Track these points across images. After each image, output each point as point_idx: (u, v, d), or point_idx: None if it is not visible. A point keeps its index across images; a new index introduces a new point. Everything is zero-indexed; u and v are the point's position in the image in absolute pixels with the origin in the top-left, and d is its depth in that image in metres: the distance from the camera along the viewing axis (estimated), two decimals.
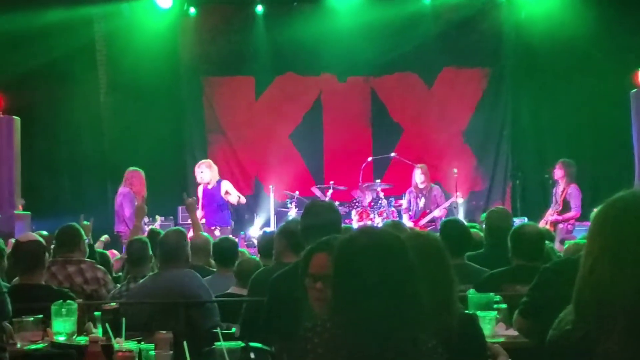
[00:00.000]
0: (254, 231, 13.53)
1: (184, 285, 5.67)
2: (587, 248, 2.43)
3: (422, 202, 12.76)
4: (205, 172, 11.54)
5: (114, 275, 7.30)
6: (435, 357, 2.85)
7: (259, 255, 6.94)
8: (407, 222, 12.53)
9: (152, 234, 7.62)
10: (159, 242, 5.96)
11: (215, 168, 11.66)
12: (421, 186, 12.76)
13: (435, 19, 14.49)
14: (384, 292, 2.79)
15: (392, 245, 2.93)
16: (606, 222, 2.38)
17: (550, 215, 11.83)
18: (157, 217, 11.72)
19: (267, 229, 12.10)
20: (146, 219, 11.43)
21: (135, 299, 5.71)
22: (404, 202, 13.05)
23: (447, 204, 12.60)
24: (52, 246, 6.61)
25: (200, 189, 11.69)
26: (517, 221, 11.36)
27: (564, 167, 11.89)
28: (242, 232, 13.81)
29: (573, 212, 11.61)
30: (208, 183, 11.54)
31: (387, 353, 2.75)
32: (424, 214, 12.63)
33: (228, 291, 6.30)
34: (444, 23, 14.48)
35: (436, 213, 12.47)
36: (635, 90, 10.72)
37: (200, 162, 11.80)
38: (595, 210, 2.50)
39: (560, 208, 11.75)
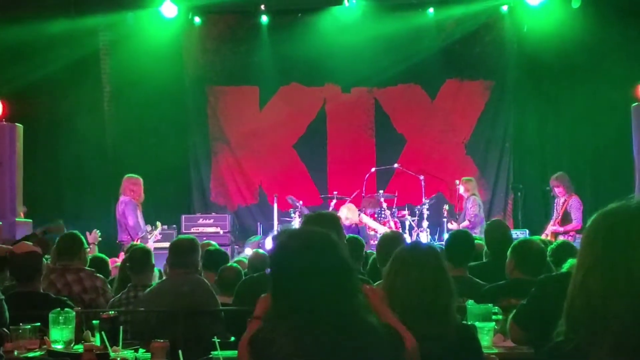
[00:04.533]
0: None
1: (192, 292, 5.69)
2: (579, 260, 2.42)
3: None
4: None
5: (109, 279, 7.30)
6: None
7: None
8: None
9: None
10: (169, 248, 6.01)
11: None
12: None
13: (438, 32, 14.51)
14: (321, 290, 2.87)
15: (322, 245, 2.99)
16: (598, 234, 2.37)
17: (552, 225, 11.84)
18: (158, 223, 11.68)
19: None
20: (148, 228, 11.45)
21: (145, 305, 5.74)
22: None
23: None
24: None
25: None
26: (519, 233, 11.44)
27: (559, 181, 11.97)
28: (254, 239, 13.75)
29: (574, 224, 11.63)
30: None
31: (328, 346, 2.85)
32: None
33: None
34: (448, 36, 14.50)
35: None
36: (636, 104, 10.71)
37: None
38: (588, 221, 2.50)
39: (560, 218, 11.77)
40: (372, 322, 2.97)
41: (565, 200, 11.84)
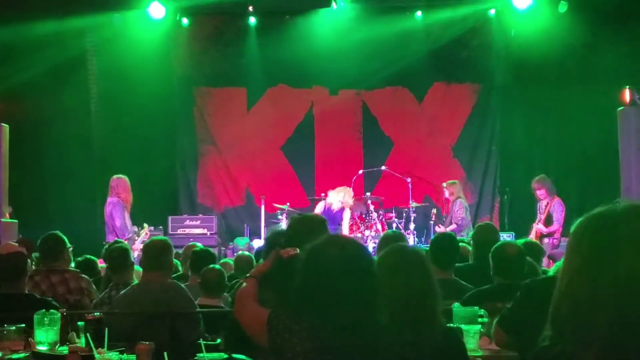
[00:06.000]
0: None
1: (169, 296, 5.63)
2: (564, 264, 2.42)
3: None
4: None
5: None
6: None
7: None
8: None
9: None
10: (142, 251, 5.94)
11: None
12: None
13: (426, 35, 14.53)
14: (348, 301, 2.98)
15: (360, 258, 3.11)
16: (584, 238, 2.37)
17: (536, 224, 11.86)
18: (145, 225, 11.64)
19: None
20: (135, 228, 11.42)
21: (119, 307, 5.68)
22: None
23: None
24: None
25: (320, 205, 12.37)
26: (505, 236, 11.48)
27: (540, 184, 11.99)
28: (230, 243, 13.80)
29: (555, 226, 11.67)
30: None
31: (347, 347, 2.97)
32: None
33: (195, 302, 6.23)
34: (436, 39, 14.51)
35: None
36: (621, 108, 10.75)
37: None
38: (574, 225, 2.49)
39: (544, 220, 11.80)
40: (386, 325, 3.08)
41: (548, 202, 11.88)
